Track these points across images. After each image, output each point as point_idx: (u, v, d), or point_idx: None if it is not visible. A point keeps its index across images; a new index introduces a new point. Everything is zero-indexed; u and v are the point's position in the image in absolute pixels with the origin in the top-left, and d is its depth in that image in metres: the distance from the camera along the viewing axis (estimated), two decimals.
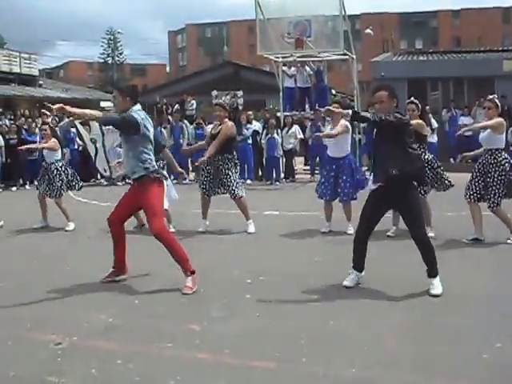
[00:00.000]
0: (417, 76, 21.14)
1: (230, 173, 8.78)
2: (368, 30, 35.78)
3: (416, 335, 4.55)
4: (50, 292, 5.84)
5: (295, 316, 5.04)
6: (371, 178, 5.94)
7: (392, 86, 5.86)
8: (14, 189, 15.97)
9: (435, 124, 16.84)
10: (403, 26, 75.77)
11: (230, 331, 4.68)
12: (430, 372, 3.86)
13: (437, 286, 5.48)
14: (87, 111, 6.07)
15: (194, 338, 4.55)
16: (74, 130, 17.02)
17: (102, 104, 31.91)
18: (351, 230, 8.21)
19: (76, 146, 17.19)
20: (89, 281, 6.17)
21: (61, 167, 9.54)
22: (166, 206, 8.58)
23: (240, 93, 31.01)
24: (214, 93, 32.05)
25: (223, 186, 8.87)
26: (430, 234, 7.80)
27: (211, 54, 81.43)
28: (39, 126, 16.05)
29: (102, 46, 71.27)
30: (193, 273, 5.83)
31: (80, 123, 16.56)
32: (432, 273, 5.55)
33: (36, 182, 10.23)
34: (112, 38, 69.95)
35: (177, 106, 22.49)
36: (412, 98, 8.46)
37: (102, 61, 71.48)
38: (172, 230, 8.71)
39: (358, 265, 5.82)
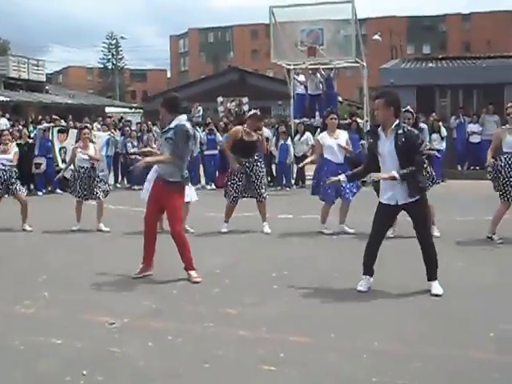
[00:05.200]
0: (426, 83, 21.88)
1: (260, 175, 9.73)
2: (376, 37, 36.68)
3: (430, 318, 5.34)
4: (91, 283, 6.60)
5: (321, 303, 5.83)
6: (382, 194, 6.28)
7: (392, 92, 6.25)
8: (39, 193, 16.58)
9: (445, 132, 17.65)
10: (410, 30, 76.55)
11: (263, 314, 5.46)
12: (443, 344, 4.63)
13: (436, 287, 6.03)
14: (161, 158, 6.93)
15: (232, 319, 5.33)
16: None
17: (107, 110, 32.77)
18: (351, 229, 9.47)
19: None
20: (124, 274, 6.93)
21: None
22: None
23: (245, 99, 31.74)
24: (220, 99, 32.80)
25: (250, 190, 9.72)
26: (436, 234, 8.62)
27: (213, 60, 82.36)
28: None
29: (102, 51, 72.35)
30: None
31: (58, 131, 17.03)
32: (432, 277, 6.10)
33: None
34: (113, 42, 70.95)
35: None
36: (408, 107, 9.11)
37: (102, 66, 72.50)
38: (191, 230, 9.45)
39: (370, 270, 6.27)
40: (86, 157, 10.16)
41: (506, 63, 24.33)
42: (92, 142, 10.74)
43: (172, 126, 6.70)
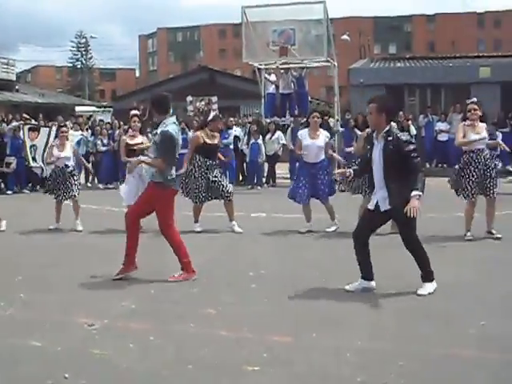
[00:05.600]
0: (395, 82, 22.07)
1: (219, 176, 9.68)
2: (345, 36, 36.85)
3: (412, 317, 5.31)
4: (67, 284, 6.47)
5: (300, 302, 5.78)
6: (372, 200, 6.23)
7: (386, 98, 6.34)
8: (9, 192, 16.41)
9: (414, 131, 17.80)
10: (377, 30, 77.24)
11: (244, 313, 5.40)
12: (425, 343, 4.61)
13: (424, 288, 5.94)
14: (154, 161, 6.74)
15: (212, 319, 5.26)
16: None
17: (77, 109, 32.37)
18: (333, 228, 9.49)
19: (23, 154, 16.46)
20: (99, 274, 6.79)
21: None
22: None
23: (214, 98, 31.57)
24: (189, 98, 32.54)
25: (214, 192, 9.64)
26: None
27: (182, 59, 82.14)
28: None
29: (71, 50, 71.64)
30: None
31: (29, 129, 16.69)
32: (426, 278, 6.00)
33: None
34: (82, 42, 70.27)
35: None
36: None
37: (71, 65, 71.81)
38: None
39: (364, 273, 6.10)
40: (62, 155, 10.04)
41: (471, 63, 24.67)
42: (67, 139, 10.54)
43: (158, 130, 6.58)
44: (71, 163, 10.17)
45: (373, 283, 6.10)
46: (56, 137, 10.92)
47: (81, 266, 7.35)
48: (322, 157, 9.51)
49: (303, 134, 9.66)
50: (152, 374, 4.08)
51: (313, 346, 4.57)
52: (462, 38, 71.24)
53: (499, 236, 8.62)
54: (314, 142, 9.44)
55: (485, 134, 8.69)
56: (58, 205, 10.19)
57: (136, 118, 9.94)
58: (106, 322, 5.18)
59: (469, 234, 8.67)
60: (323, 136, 9.61)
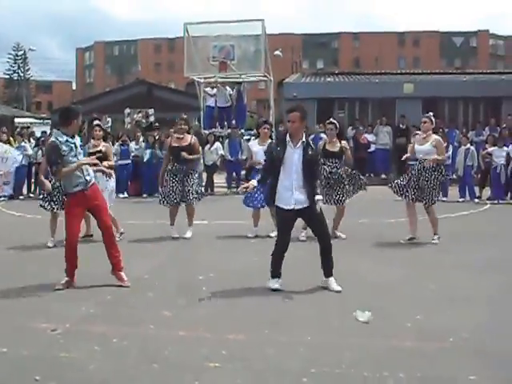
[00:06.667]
0: (325, 96, 22.59)
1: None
2: (277, 52, 37.25)
3: (352, 313, 5.52)
4: (21, 291, 6.35)
5: (249, 302, 5.95)
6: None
7: (304, 108, 6.48)
8: None
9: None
10: (305, 46, 78.48)
11: (198, 314, 5.53)
12: (369, 336, 4.88)
13: (333, 282, 6.30)
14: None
15: (170, 321, 5.36)
16: None
17: (17, 120, 31.65)
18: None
19: None
20: (51, 282, 6.61)
21: None
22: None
23: (151, 111, 31.48)
24: (127, 111, 32.31)
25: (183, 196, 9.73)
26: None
27: (118, 72, 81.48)
28: None
29: (8, 61, 69.89)
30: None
31: None
32: (330, 273, 6.37)
33: None
34: (18, 53, 68.62)
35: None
36: (331, 119, 9.53)
37: (8, 77, 70.03)
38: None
39: (278, 272, 6.40)
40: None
41: (395, 79, 25.46)
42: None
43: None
44: None
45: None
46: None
47: (31, 274, 7.25)
48: None
49: (252, 144, 9.97)
50: (119, 374, 4.17)
51: (267, 342, 4.74)
52: (385, 55, 73.27)
53: (435, 242, 9.00)
54: (262, 148, 9.58)
55: (427, 146, 8.89)
56: (54, 217, 9.21)
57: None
58: (67, 326, 5.19)
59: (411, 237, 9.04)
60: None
